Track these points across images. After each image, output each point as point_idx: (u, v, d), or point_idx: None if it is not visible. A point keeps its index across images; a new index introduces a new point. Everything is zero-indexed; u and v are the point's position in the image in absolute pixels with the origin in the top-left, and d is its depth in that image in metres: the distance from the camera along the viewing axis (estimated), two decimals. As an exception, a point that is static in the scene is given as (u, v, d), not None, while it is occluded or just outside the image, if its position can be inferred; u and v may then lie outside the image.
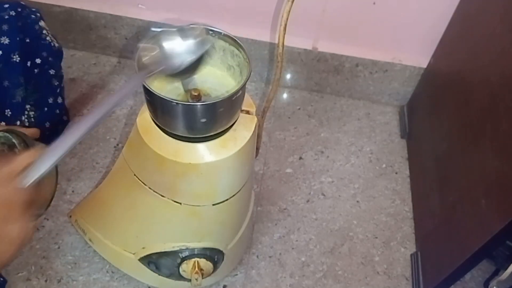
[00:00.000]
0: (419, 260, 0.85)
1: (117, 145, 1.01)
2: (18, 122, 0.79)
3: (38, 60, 0.84)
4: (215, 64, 0.61)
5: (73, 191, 0.92)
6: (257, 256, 0.87)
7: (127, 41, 1.15)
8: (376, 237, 0.91)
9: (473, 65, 0.80)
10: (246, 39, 1.07)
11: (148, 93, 0.52)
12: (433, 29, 0.98)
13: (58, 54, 0.90)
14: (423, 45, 1.02)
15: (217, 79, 0.60)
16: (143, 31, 1.12)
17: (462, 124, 0.79)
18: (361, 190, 0.98)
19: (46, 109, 0.89)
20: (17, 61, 0.78)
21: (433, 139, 0.92)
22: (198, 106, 0.52)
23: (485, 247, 0.63)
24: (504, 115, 0.64)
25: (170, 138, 0.57)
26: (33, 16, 0.83)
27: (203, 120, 0.53)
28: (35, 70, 0.84)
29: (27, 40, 0.80)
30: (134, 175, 0.63)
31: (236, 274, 0.84)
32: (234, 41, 0.57)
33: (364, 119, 1.12)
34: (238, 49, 0.57)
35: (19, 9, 0.79)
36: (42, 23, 0.85)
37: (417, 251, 0.88)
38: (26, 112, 0.85)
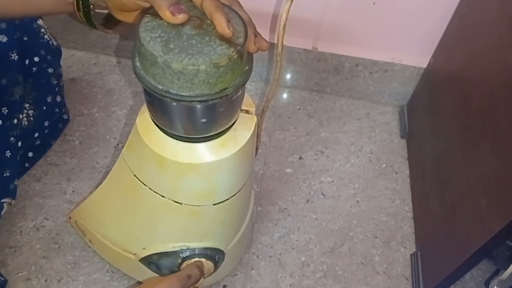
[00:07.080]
0: (419, 260, 0.85)
1: (117, 145, 1.01)
2: (16, 121, 0.79)
3: (36, 59, 0.83)
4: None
5: (73, 191, 0.92)
6: (257, 256, 0.87)
7: (127, 41, 1.15)
8: (376, 237, 0.91)
9: (473, 65, 0.80)
10: (246, 39, 1.07)
11: (148, 93, 0.52)
12: (433, 29, 0.98)
13: (56, 53, 0.89)
14: (423, 45, 1.02)
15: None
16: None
17: (462, 124, 0.79)
18: (361, 190, 0.98)
19: (45, 108, 0.88)
20: (15, 59, 0.76)
21: (433, 139, 0.92)
22: (198, 106, 0.52)
23: (485, 247, 0.63)
24: (504, 115, 0.64)
25: (170, 138, 0.57)
26: None
27: (203, 120, 0.53)
28: (33, 69, 0.82)
29: (25, 38, 0.79)
30: (134, 175, 0.63)
31: (236, 274, 0.84)
32: None
33: (364, 119, 1.12)
34: None
35: None
36: (40, 21, 0.83)
37: (417, 251, 0.88)
38: (25, 111, 0.84)
